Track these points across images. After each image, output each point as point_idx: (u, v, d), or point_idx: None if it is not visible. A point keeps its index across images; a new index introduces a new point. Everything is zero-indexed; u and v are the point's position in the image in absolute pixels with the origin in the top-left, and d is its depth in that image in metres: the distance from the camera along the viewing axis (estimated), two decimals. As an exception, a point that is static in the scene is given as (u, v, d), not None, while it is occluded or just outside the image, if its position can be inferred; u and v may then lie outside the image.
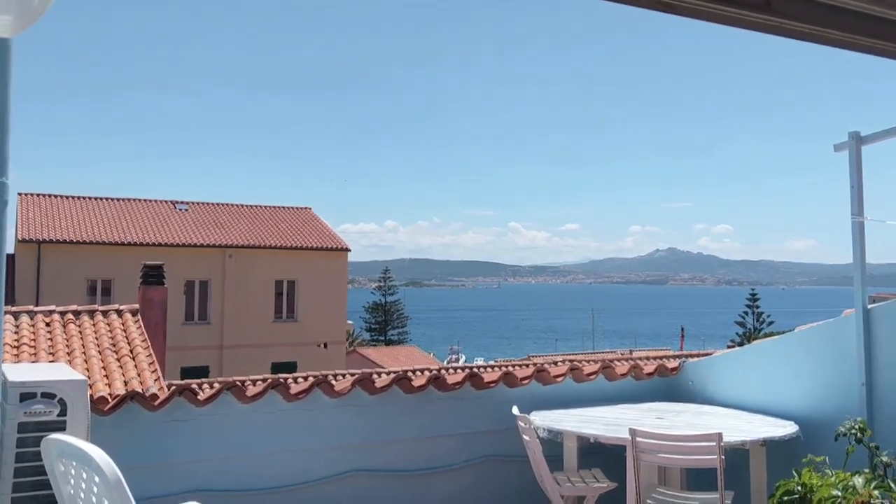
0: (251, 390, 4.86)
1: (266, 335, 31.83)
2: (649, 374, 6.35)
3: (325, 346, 32.03)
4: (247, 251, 31.92)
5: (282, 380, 5.10)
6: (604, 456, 5.55)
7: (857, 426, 4.50)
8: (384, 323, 68.57)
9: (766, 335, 40.10)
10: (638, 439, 4.67)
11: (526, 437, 5.17)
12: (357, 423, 5.32)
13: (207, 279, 31.32)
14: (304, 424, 5.14)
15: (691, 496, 5.07)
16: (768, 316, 56.56)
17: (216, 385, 6.18)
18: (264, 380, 17.59)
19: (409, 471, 5.52)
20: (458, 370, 20.74)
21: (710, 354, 6.43)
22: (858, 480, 4.12)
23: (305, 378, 16.63)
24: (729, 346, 47.56)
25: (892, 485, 4.19)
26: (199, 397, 4.67)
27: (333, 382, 5.10)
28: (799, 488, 4.47)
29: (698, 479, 5.07)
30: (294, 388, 4.88)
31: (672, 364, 6.47)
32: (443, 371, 21.60)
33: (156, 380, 13.26)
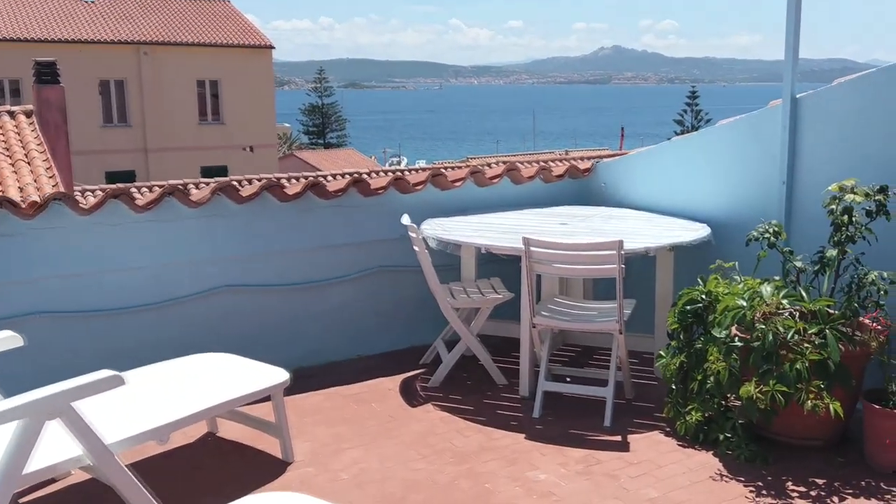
0: (90, 201, 4.17)
1: (192, 138, 30.45)
2: (559, 177, 5.81)
3: (251, 149, 30.87)
4: (162, 48, 29.70)
5: (130, 189, 4.40)
6: (505, 265, 5.11)
7: (770, 230, 4.06)
8: (322, 126, 66.64)
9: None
10: (531, 249, 4.18)
11: (416, 248, 4.65)
12: (225, 235, 4.72)
13: (123, 78, 29.29)
14: (159, 238, 4.51)
15: (589, 305, 4.70)
16: (707, 114, 56.45)
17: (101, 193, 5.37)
18: (154, 188, 16.72)
19: (291, 284, 5.02)
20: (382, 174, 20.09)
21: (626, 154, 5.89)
22: (766, 289, 3.74)
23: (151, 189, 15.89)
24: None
25: (803, 293, 3.82)
26: (22, 209, 3.97)
27: (191, 191, 4.42)
28: (703, 297, 4.09)
29: (608, 287, 4.65)
30: (140, 200, 4.20)
31: (584, 165, 5.93)
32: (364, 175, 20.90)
33: (53, 186, 12.36)
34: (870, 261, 3.84)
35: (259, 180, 20.02)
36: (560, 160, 24.04)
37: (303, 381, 4.69)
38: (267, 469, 3.69)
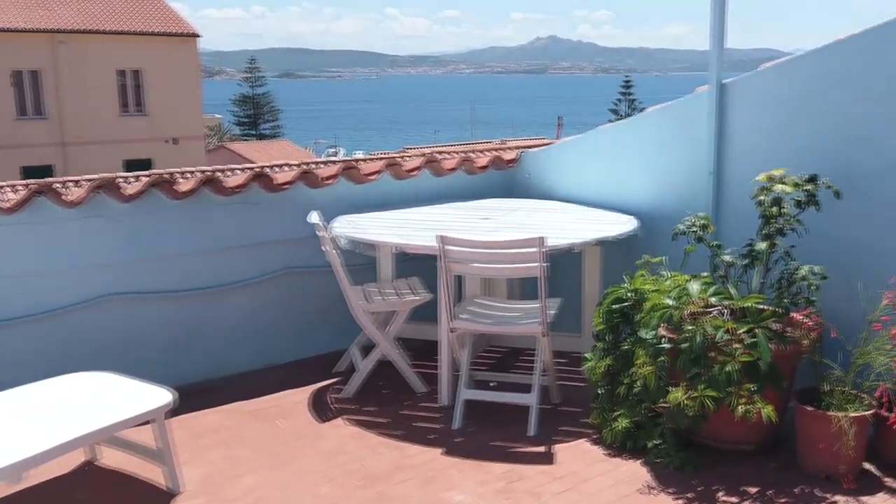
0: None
1: (114, 131, 29.25)
2: (482, 168, 5.50)
3: (175, 141, 29.82)
4: (80, 37, 28.40)
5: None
6: (426, 263, 4.77)
7: (698, 223, 3.82)
8: (255, 116, 65.23)
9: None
10: (447, 247, 3.86)
11: (325, 248, 4.29)
12: (109, 238, 4.27)
13: (37, 69, 27.95)
14: (32, 242, 4.05)
15: (512, 306, 4.40)
16: (641, 103, 57.15)
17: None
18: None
19: (188, 290, 4.60)
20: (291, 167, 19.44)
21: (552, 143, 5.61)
22: (694, 286, 3.49)
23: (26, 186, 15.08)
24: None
25: (732, 290, 3.58)
26: None
27: (63, 190, 3.97)
28: (629, 295, 3.84)
29: (535, 285, 4.36)
30: (5, 201, 3.74)
31: (509, 155, 5.63)
32: (312, 166, 20.24)
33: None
34: (801, 254, 3.63)
35: (193, 174, 19.23)
36: (496, 149, 23.84)
37: (202, 396, 4.30)
38: (150, 501, 3.30)
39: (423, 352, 4.82)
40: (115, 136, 29.11)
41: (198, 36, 31.09)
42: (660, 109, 4.70)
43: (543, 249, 3.74)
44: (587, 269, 4.54)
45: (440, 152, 22.06)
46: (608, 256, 4.59)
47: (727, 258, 3.83)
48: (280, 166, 19.11)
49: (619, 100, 57.79)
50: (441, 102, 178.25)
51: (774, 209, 3.52)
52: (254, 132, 63.53)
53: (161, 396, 3.22)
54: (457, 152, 22.26)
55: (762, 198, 3.56)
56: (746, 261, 3.78)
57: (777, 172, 3.55)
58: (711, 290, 3.55)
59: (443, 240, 3.84)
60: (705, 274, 3.73)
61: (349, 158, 24.02)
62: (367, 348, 4.50)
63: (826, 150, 3.80)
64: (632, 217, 4.62)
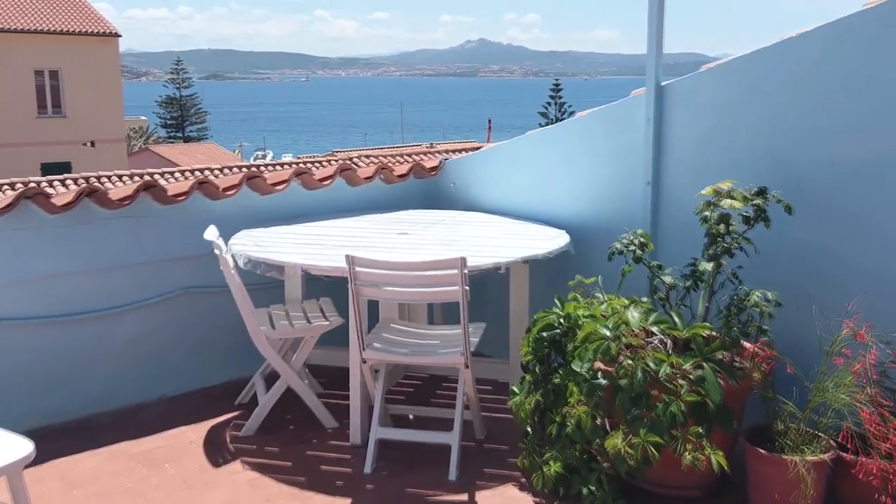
0: None
1: (30, 133, 27.75)
2: (402, 177, 5.06)
3: (93, 144, 28.46)
4: (-9, 34, 26.93)
5: None
6: (340, 282, 4.31)
7: (636, 241, 3.46)
8: (181, 119, 63.30)
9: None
10: (357, 269, 3.40)
11: (223, 269, 3.78)
12: (-35, 259, 3.69)
13: (-56, 69, 26.37)
14: None
15: (431, 332, 3.97)
16: (570, 106, 57.46)
17: None
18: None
19: (70, 315, 4.04)
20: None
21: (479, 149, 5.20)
22: (633, 314, 3.11)
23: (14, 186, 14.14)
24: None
25: (675, 318, 3.22)
26: None
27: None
28: (561, 322, 3.44)
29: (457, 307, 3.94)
30: None
31: (431, 163, 5.21)
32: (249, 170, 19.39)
33: None
34: (748, 274, 3.30)
35: (132, 177, 18.16)
36: (423, 153, 23.37)
37: (84, 435, 3.78)
38: (-4, 581, 2.75)
39: (335, 380, 4.36)
40: (31, 138, 27.63)
41: (118, 36, 29.76)
42: (593, 114, 4.34)
43: (465, 271, 3.32)
44: (514, 290, 4.15)
45: (367, 156, 21.51)
46: (537, 274, 4.20)
47: (668, 279, 3.48)
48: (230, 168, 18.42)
49: (549, 103, 57.96)
50: (371, 105, 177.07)
51: (721, 227, 3.17)
52: (180, 135, 61.71)
53: (14, 449, 2.68)
54: (384, 156, 21.76)
55: (707, 213, 3.21)
56: (689, 282, 3.45)
57: (724, 185, 3.20)
58: (653, 317, 3.18)
59: (352, 261, 3.39)
60: (644, 299, 3.37)
61: (254, 164, 23.14)
62: (273, 378, 4.01)
63: (776, 157, 3.48)
64: (563, 231, 4.25)
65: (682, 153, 3.92)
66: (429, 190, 5.22)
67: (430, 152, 23.98)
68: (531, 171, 4.69)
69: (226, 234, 4.00)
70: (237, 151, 47.41)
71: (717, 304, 3.32)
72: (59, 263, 3.97)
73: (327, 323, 3.95)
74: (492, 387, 4.35)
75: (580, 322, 3.34)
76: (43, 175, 21.69)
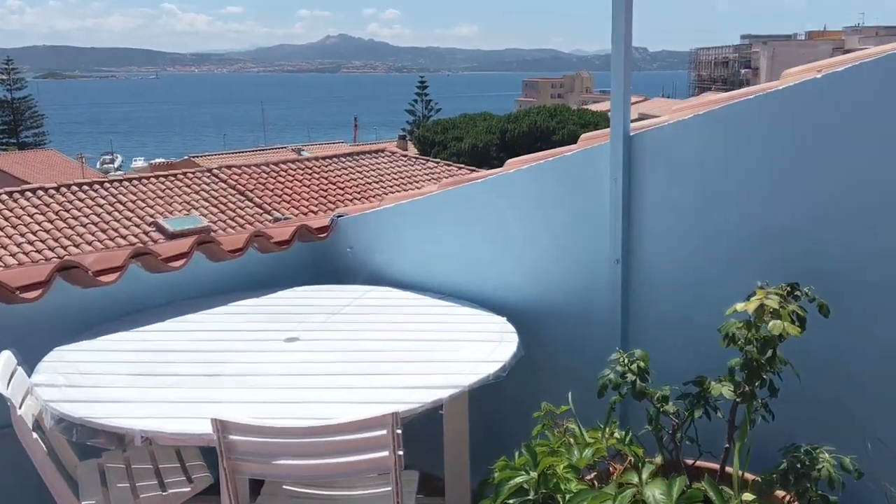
0: None
1: None
2: (283, 244, 3.86)
3: None
4: None
5: None
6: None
7: (633, 366, 2.46)
8: (14, 123, 57.90)
9: (437, 123, 39.56)
10: (231, 438, 2.22)
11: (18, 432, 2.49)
12: None
13: None
14: None
15: (343, 495, 2.82)
16: (436, 103, 56.89)
17: None
18: None
19: None
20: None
21: (376, 208, 4.04)
22: (655, 493, 2.10)
23: None
24: (400, 137, 46.80)
25: (710, 490, 2.24)
26: None
27: None
28: (535, 483, 2.38)
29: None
30: None
31: (319, 223, 4.03)
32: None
33: None
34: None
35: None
36: (289, 162, 21.75)
37: None
38: None
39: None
40: None
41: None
42: (539, 167, 3.30)
43: (398, 431, 2.22)
44: (450, 428, 3.05)
45: (229, 166, 19.72)
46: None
47: (670, 407, 2.52)
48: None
49: (416, 100, 57.17)
50: (228, 103, 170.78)
51: (769, 354, 2.21)
52: (14, 141, 56.47)
53: None
54: (248, 165, 20.01)
55: (749, 334, 2.24)
56: (699, 413, 2.49)
57: (766, 297, 2.22)
58: (677, 491, 2.18)
59: (222, 427, 2.20)
60: (658, 459, 2.37)
61: (156, 165, 20.89)
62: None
63: (787, 228, 2.60)
64: (503, 319, 3.23)
65: (658, 222, 2.97)
66: (319, 257, 4.05)
67: (298, 160, 22.38)
68: (456, 235, 3.62)
69: (30, 348, 2.72)
70: (81, 158, 43.72)
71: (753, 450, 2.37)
72: None
73: (187, 490, 2.73)
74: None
75: (563, 486, 2.30)
76: None
